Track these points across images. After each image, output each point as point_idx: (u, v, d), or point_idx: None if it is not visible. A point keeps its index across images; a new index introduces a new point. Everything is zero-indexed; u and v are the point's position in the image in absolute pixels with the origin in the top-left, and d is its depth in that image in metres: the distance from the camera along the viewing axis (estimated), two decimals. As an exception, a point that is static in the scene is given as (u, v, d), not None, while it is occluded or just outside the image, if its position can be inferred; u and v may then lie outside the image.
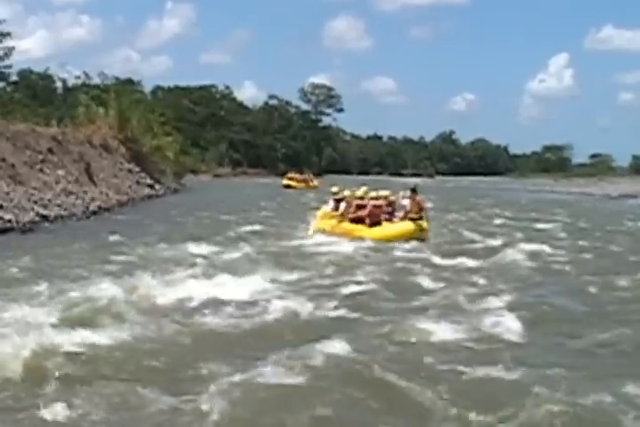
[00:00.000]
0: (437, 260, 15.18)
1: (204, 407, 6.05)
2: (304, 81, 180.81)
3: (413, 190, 19.38)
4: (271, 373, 6.83)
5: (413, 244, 17.61)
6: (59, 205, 23.18)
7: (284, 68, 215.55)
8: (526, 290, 11.93)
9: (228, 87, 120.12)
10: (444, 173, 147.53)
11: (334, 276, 12.98)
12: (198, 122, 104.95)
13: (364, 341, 8.15)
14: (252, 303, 10.02)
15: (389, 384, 6.71)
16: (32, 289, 10.30)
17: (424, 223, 18.88)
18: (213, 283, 11.25)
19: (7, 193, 20.80)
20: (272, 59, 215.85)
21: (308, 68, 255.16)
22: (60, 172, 27.48)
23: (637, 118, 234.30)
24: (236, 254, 15.18)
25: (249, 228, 21.55)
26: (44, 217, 21.07)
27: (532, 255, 16.19)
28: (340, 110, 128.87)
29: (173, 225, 22.65)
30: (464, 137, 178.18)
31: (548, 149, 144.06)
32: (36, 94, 76.05)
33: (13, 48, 53.11)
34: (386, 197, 19.64)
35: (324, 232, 19.25)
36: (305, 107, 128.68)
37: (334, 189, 21.38)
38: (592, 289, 12.13)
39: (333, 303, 10.23)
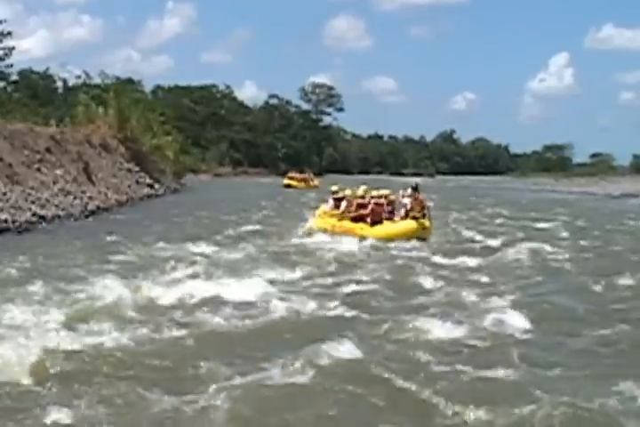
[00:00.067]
0: (439, 259, 15.23)
1: (207, 407, 6.04)
2: (304, 80, 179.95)
3: (415, 189, 19.38)
4: (273, 372, 6.85)
5: (415, 242, 17.61)
6: (56, 205, 23.06)
7: (284, 67, 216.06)
8: (528, 289, 11.89)
9: (228, 87, 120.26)
10: (444, 173, 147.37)
11: (336, 275, 12.94)
12: (199, 121, 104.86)
13: (366, 340, 8.12)
14: (253, 303, 9.98)
15: (392, 384, 6.68)
16: (29, 290, 10.22)
17: (426, 222, 18.86)
18: (213, 283, 11.21)
19: (4, 193, 20.67)
20: (273, 58, 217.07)
21: (308, 68, 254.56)
22: (59, 171, 27.35)
23: (638, 117, 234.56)
24: (236, 254, 15.13)
25: (250, 227, 21.57)
26: (41, 217, 20.95)
27: (534, 254, 16.15)
28: (341, 110, 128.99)
29: (172, 225, 22.56)
30: (464, 136, 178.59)
31: (548, 148, 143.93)
32: (36, 94, 75.86)
33: (14, 48, 53.05)
34: (386, 196, 19.57)
35: (324, 231, 19.15)
36: (305, 106, 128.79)
37: (334, 187, 21.44)
38: (594, 288, 12.08)
39: (335, 303, 10.19)
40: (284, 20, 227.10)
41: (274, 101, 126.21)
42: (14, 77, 72.63)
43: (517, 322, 9.12)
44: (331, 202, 20.88)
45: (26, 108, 42.24)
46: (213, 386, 6.45)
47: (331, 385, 6.57)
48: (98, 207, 26.64)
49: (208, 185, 61.40)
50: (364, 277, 12.67)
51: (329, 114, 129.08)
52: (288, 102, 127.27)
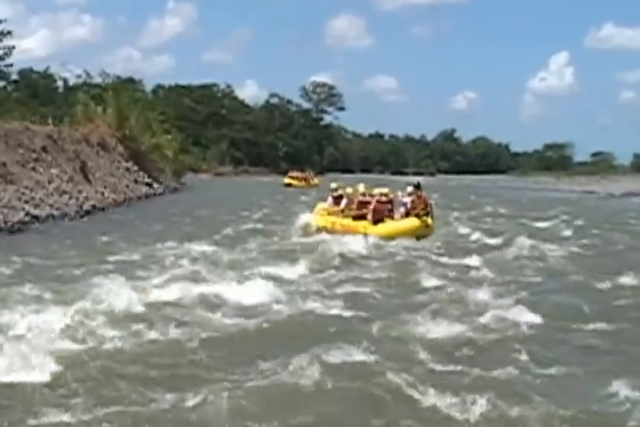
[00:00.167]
0: (442, 257, 15.32)
1: (208, 407, 6.00)
2: (305, 80, 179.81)
3: (417, 187, 19.26)
4: (274, 372, 6.85)
5: (418, 240, 17.62)
6: (51, 205, 22.86)
7: (285, 66, 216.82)
8: (530, 287, 11.83)
9: (229, 86, 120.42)
10: (445, 172, 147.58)
11: (339, 274, 12.85)
12: (199, 121, 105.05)
13: (367, 339, 8.01)
14: (253, 302, 9.85)
15: (394, 383, 6.59)
16: (20, 291, 10.09)
17: (429, 220, 18.80)
18: (212, 283, 11.09)
19: (-3, 193, 20.42)
20: (273, 57, 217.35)
21: (309, 67, 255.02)
22: (54, 170, 27.11)
23: (638, 116, 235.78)
24: (235, 253, 15.00)
25: (250, 226, 21.54)
26: (35, 217, 20.74)
27: (536, 253, 16.10)
28: (342, 109, 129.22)
29: (170, 224, 22.41)
30: (465, 135, 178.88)
31: (549, 147, 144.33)
32: (36, 93, 76.06)
33: (14, 47, 53.04)
34: (386, 195, 19.48)
35: (325, 229, 18.95)
36: (306, 105, 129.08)
37: (333, 185, 21.43)
38: (596, 287, 12.07)
39: (338, 302, 10.13)
40: (285, 19, 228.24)
41: (275, 100, 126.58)
42: (14, 77, 72.95)
43: (520, 320, 9.09)
44: (330, 200, 20.73)
45: (24, 107, 42.01)
46: (215, 386, 6.42)
47: (333, 385, 6.53)
48: (94, 207, 26.43)
49: (208, 184, 61.57)
50: (367, 276, 12.68)
51: (330, 113, 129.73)
52: (289, 101, 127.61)
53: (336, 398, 6.32)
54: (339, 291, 11.08)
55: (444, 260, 14.90)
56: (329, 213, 20.08)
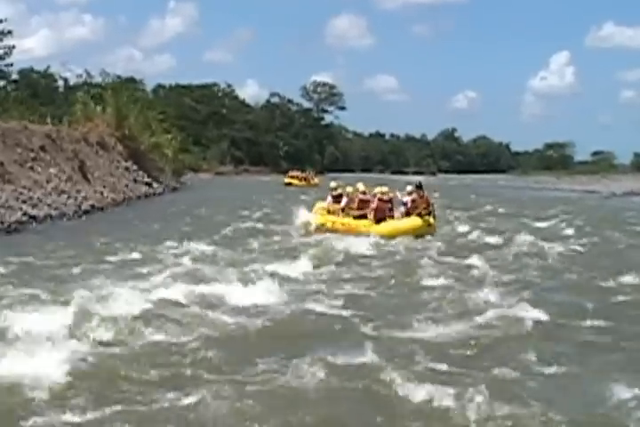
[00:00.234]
0: (443, 256, 15.20)
1: (208, 407, 5.98)
2: (306, 79, 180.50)
3: (419, 186, 19.26)
4: (275, 373, 6.83)
5: (421, 240, 17.65)
6: (49, 205, 22.72)
7: (286, 66, 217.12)
8: (532, 286, 11.81)
9: (229, 85, 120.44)
10: (446, 171, 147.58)
11: (339, 273, 12.84)
12: (200, 120, 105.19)
13: (369, 339, 8.02)
14: (253, 302, 9.78)
15: (396, 384, 6.54)
16: (15, 292, 10.02)
17: (431, 219, 18.82)
18: (211, 283, 10.98)
19: (-6, 193, 20.28)
20: (274, 57, 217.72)
21: (310, 67, 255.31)
22: (53, 170, 26.94)
23: (639, 116, 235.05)
24: (235, 253, 14.93)
25: (250, 225, 21.43)
26: (32, 217, 20.60)
27: (538, 253, 16.06)
28: (342, 108, 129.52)
29: (168, 224, 22.24)
30: (466, 135, 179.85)
31: (549, 146, 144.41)
32: (36, 93, 75.86)
33: (14, 47, 53.04)
34: (387, 194, 19.49)
35: (325, 228, 18.80)
36: (307, 105, 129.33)
37: (332, 184, 21.38)
38: (597, 285, 12.08)
39: (339, 302, 10.09)
40: (286, 18, 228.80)
41: (275, 100, 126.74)
42: (15, 76, 72.92)
43: (522, 319, 9.08)
44: (329, 199, 20.64)
45: (23, 106, 41.83)
46: (215, 386, 6.40)
47: (334, 385, 6.53)
48: (92, 206, 26.27)
49: (208, 184, 61.56)
50: (369, 275, 12.70)
51: (330, 112, 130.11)
52: (290, 101, 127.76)
53: (337, 398, 6.31)
54: (340, 290, 11.03)
55: (446, 259, 14.88)
56: (329, 212, 19.97)
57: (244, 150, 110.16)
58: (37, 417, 5.71)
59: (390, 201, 19.46)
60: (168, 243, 16.07)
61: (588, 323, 9.30)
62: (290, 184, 60.17)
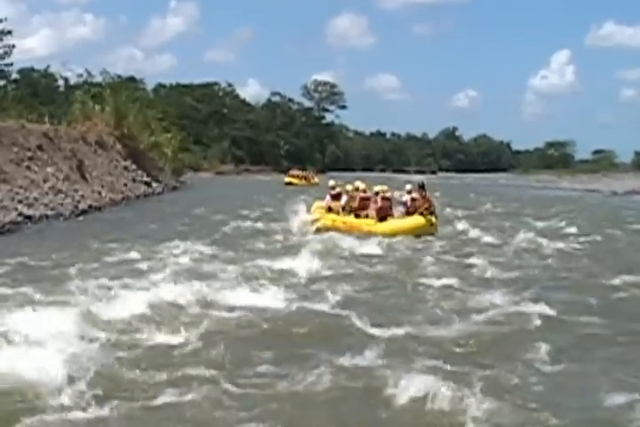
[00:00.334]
0: (445, 255, 15.22)
1: (210, 408, 5.99)
2: (307, 78, 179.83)
3: (422, 186, 19.27)
4: (275, 373, 6.84)
5: (422, 239, 17.64)
6: (45, 205, 22.55)
7: (287, 65, 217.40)
8: (533, 285, 11.71)
9: (230, 85, 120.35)
10: (447, 170, 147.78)
11: (341, 272, 12.78)
12: (201, 119, 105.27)
13: (370, 338, 8.02)
14: (254, 302, 9.66)
15: (397, 384, 6.46)
16: (14, 292, 9.97)
17: (433, 218, 18.77)
18: (211, 283, 10.83)
19: (-12, 192, 20.11)
20: (275, 56, 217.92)
21: (311, 66, 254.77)
22: (50, 169, 26.73)
23: (639, 114, 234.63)
24: (233, 253, 14.81)
25: (250, 224, 21.42)
26: (28, 217, 20.44)
27: (539, 252, 16.11)
28: (343, 107, 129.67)
29: (167, 224, 22.12)
30: (467, 134, 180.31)
31: (550, 145, 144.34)
32: (37, 92, 75.87)
33: (14, 46, 52.94)
34: (387, 192, 19.43)
35: (327, 228, 18.65)
36: (308, 104, 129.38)
37: (331, 182, 21.37)
38: (600, 284, 12.06)
39: (341, 302, 10.00)
40: (287, 18, 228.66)
41: (276, 99, 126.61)
42: (15, 76, 72.94)
43: (523, 318, 9.10)
44: (328, 198, 20.52)
45: (21, 105, 41.71)
46: (215, 385, 6.43)
47: (336, 385, 6.49)
48: (90, 206, 26.09)
49: (208, 183, 61.63)
50: (370, 274, 12.70)
51: (331, 111, 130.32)
52: (290, 100, 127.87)
53: (338, 397, 6.28)
54: (342, 289, 10.95)
55: (448, 257, 14.91)
56: (329, 210, 19.85)
57: (245, 149, 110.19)
58: (37, 417, 5.67)
59: (390, 200, 19.37)
60: (166, 243, 15.96)
61: (590, 320, 9.29)
62: (290, 183, 60.22)
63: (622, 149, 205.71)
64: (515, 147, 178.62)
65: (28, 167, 25.03)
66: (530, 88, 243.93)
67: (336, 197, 20.25)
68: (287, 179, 63.36)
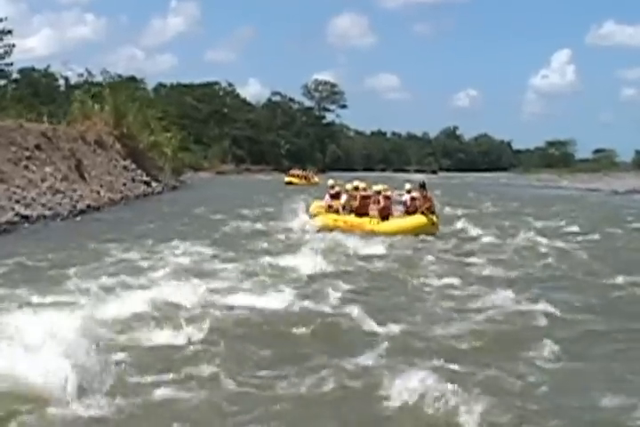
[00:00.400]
0: (447, 254, 15.26)
1: (209, 406, 6.02)
2: (308, 78, 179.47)
3: (422, 186, 19.30)
4: (275, 372, 6.84)
5: (422, 238, 17.67)
6: (43, 204, 22.41)
7: (288, 65, 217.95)
8: (534, 285, 11.77)
9: (230, 84, 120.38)
10: (447, 169, 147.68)
11: (342, 272, 12.72)
12: (201, 119, 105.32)
13: (371, 338, 8.01)
14: (254, 302, 9.63)
15: (398, 384, 6.42)
16: (10, 293, 9.94)
17: (434, 218, 18.79)
18: (211, 283, 10.80)
19: (-16, 192, 19.97)
20: (276, 56, 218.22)
21: (311, 66, 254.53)
22: (48, 169, 26.55)
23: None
24: (233, 253, 14.75)
25: (250, 224, 21.37)
26: (25, 217, 20.30)
27: (541, 251, 16.13)
28: (344, 107, 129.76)
29: (166, 223, 22.05)
30: (468, 133, 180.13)
31: (551, 144, 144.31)
32: (37, 92, 75.82)
33: (14, 46, 52.88)
34: (387, 191, 19.40)
35: (327, 227, 18.59)
36: (308, 103, 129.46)
37: (330, 182, 21.43)
38: (601, 283, 12.07)
39: (342, 301, 9.97)
40: (287, 17, 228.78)
41: (277, 99, 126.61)
42: (15, 75, 72.93)
43: (525, 316, 9.14)
44: (327, 197, 20.44)
45: (21, 105, 41.61)
46: (215, 386, 6.45)
47: (337, 385, 6.49)
48: (88, 206, 25.96)
49: (208, 182, 61.68)
50: (371, 274, 12.69)
51: (332, 111, 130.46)
52: (291, 99, 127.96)
53: (339, 397, 6.29)
54: (343, 288, 10.93)
55: (449, 256, 14.96)
56: (329, 209, 19.75)
57: (246, 149, 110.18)
58: (37, 417, 5.68)
59: (390, 199, 19.31)
60: (166, 243, 15.88)
61: (591, 319, 9.31)
62: (290, 183, 60.32)
63: (623, 148, 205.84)
64: (515, 146, 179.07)
65: (26, 167, 24.86)
66: (530, 87, 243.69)
67: (335, 197, 20.20)
68: (287, 178, 63.47)
